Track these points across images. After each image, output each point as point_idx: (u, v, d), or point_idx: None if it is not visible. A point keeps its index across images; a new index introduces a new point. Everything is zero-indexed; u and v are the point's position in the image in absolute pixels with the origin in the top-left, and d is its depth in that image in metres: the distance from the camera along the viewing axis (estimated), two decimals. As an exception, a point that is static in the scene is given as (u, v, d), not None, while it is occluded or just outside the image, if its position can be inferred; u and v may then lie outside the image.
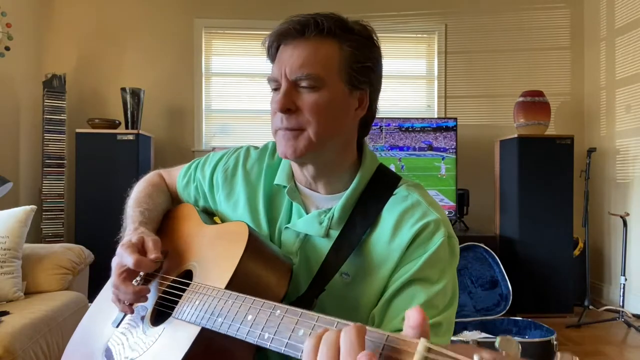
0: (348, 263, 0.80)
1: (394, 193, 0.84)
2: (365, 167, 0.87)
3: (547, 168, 3.37)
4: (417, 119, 3.59)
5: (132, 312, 0.85)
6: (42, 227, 3.31)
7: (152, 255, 0.83)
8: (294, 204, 0.89)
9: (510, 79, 3.95)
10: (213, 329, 0.67)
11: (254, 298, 0.66)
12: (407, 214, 0.79)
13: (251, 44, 3.93)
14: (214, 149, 3.73)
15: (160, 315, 0.82)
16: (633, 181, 3.43)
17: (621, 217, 3.26)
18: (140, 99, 3.47)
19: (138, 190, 1.07)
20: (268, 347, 0.58)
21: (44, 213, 3.31)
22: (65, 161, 3.42)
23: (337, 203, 0.85)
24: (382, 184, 0.86)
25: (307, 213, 0.87)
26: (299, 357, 0.53)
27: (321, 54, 0.79)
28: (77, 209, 3.29)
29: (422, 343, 0.42)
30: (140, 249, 0.85)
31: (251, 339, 0.61)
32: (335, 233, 0.83)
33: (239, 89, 3.92)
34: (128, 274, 0.84)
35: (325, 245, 0.83)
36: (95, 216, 3.23)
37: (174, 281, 0.85)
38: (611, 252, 3.66)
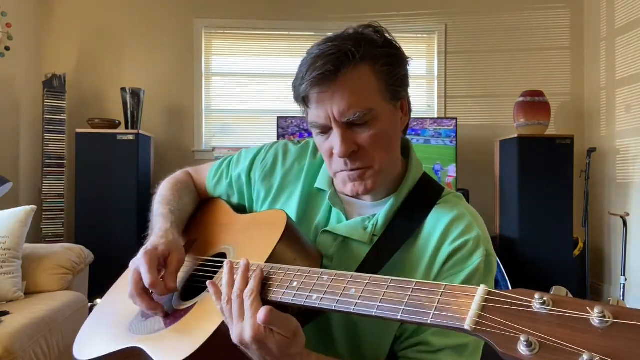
0: (386, 272, 0.78)
1: (438, 202, 0.83)
2: (411, 175, 0.86)
3: (547, 168, 3.36)
4: (416, 119, 3.59)
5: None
6: (42, 227, 3.30)
7: (171, 284, 0.81)
8: (334, 209, 0.87)
9: (510, 79, 3.94)
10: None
11: (298, 267, 0.66)
12: (452, 226, 0.78)
13: (251, 44, 3.93)
14: (214, 149, 3.73)
15: (189, 293, 0.82)
16: (633, 181, 3.43)
17: (621, 217, 3.26)
18: (140, 99, 3.47)
19: (166, 188, 1.04)
20: (317, 306, 0.59)
21: (44, 213, 3.30)
22: (65, 161, 3.42)
23: (381, 209, 0.84)
24: (427, 192, 0.85)
25: (347, 219, 0.86)
26: (351, 311, 0.56)
27: (362, 85, 0.76)
28: (77, 209, 3.28)
29: (482, 287, 0.47)
30: (162, 262, 0.82)
31: (298, 301, 0.62)
32: (376, 239, 0.82)
33: (239, 89, 3.92)
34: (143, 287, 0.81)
35: (364, 251, 0.82)
36: (95, 216, 3.23)
37: (206, 260, 0.85)
38: (611, 252, 3.66)
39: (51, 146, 3.36)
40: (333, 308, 0.58)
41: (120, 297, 0.96)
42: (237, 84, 3.93)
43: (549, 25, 3.99)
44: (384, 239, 0.81)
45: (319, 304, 0.59)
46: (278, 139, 3.47)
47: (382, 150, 0.79)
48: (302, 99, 0.79)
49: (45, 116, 3.35)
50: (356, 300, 0.56)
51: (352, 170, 0.79)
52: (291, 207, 0.91)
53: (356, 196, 0.83)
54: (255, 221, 0.89)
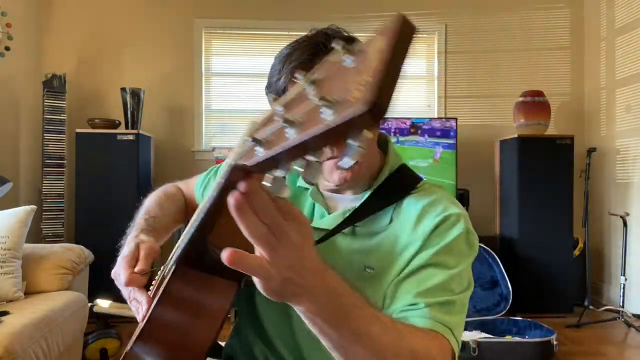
0: (372, 256, 0.81)
1: (417, 187, 0.86)
2: (389, 165, 0.89)
3: (547, 168, 3.36)
4: (416, 119, 3.58)
5: None
6: (42, 227, 3.30)
7: (138, 267, 0.81)
8: (317, 205, 0.90)
9: (510, 79, 3.94)
10: (174, 258, 0.73)
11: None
12: (430, 207, 0.81)
13: (251, 44, 3.93)
14: (214, 149, 3.73)
15: None
16: (633, 181, 3.43)
17: (621, 217, 3.26)
18: (140, 99, 3.47)
19: (149, 200, 1.06)
20: (193, 231, 0.64)
21: (44, 213, 3.30)
22: (65, 161, 3.41)
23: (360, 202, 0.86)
24: (404, 181, 0.88)
25: (329, 214, 0.88)
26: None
27: None
28: (77, 209, 3.28)
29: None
30: (135, 260, 0.83)
31: (187, 238, 0.68)
32: (359, 230, 0.85)
33: (239, 89, 3.92)
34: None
35: (348, 243, 0.84)
36: (95, 216, 3.23)
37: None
38: (611, 252, 3.66)
39: (51, 146, 3.36)
40: (195, 227, 0.61)
41: None
42: (237, 84, 3.93)
43: (549, 25, 3.99)
44: (363, 227, 0.84)
45: (192, 226, 0.63)
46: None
47: None
48: (282, 92, 0.80)
49: (45, 116, 3.35)
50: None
51: (334, 157, 0.81)
52: None
53: (343, 183, 0.84)
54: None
